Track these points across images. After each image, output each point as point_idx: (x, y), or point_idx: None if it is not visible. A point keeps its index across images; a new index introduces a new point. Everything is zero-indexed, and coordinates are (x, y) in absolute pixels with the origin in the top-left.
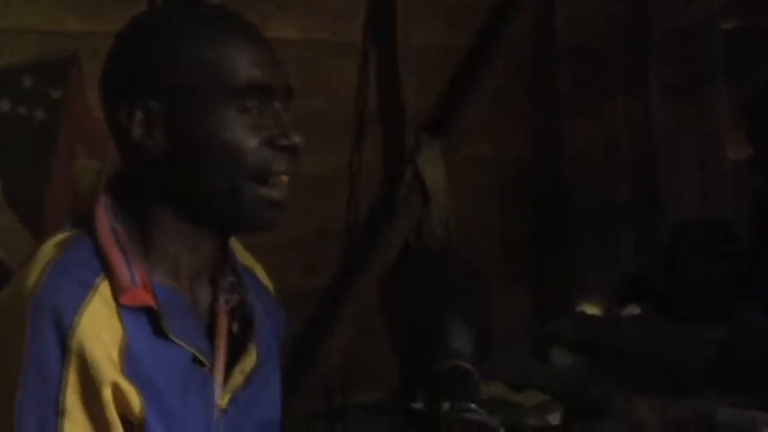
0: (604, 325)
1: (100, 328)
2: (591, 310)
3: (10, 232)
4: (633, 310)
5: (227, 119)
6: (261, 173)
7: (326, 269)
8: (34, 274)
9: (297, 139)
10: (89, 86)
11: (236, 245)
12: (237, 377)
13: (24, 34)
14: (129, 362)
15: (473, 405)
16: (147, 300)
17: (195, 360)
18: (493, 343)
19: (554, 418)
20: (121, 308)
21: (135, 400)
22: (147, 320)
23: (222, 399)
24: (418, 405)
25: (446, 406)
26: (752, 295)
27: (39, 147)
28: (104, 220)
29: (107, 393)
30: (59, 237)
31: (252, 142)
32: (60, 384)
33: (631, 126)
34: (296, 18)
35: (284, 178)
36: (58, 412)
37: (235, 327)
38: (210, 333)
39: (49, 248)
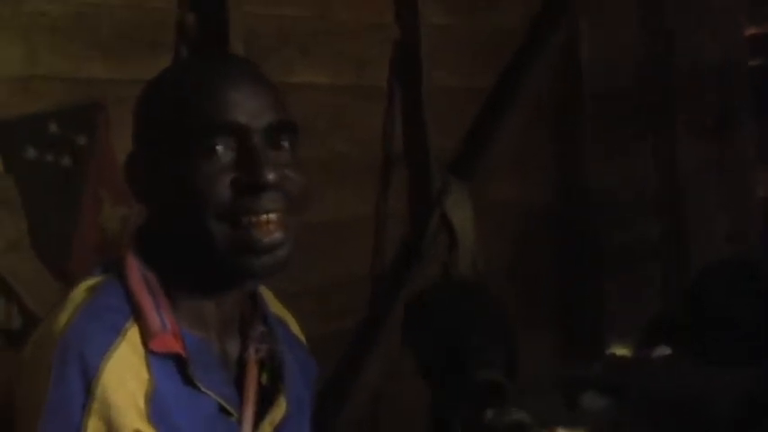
0: (635, 366)
1: (126, 375)
2: (621, 351)
3: (36, 279)
4: (664, 350)
5: (194, 161)
6: (229, 214)
7: (352, 314)
8: (63, 318)
9: (270, 177)
10: (115, 133)
11: (267, 294)
12: (266, 428)
13: (50, 81)
14: (155, 408)
15: (515, 409)
16: (176, 347)
17: (222, 409)
18: (518, 359)
19: None
20: (150, 354)
21: None
22: (175, 368)
23: None
24: None
25: (490, 413)
26: None
27: (65, 193)
28: (135, 266)
29: None
30: (90, 282)
31: (218, 183)
32: (81, 430)
33: (658, 165)
34: (321, 63)
35: (264, 218)
36: None
37: (264, 377)
38: (240, 383)
39: (79, 293)
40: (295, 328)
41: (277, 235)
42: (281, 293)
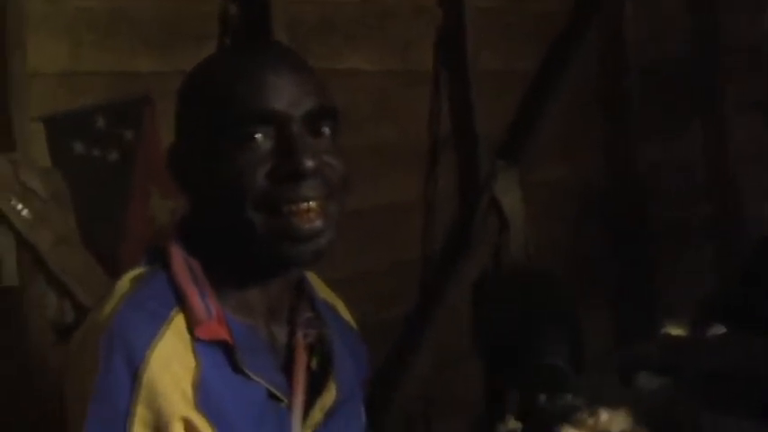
0: (690, 346)
1: (172, 362)
2: (676, 330)
3: (87, 273)
4: (719, 329)
5: (233, 150)
6: (268, 203)
7: (404, 299)
8: (109, 308)
9: (309, 165)
10: (161, 126)
11: (315, 280)
12: (317, 413)
13: (95, 76)
14: (203, 396)
15: (570, 396)
16: (223, 333)
17: (271, 395)
18: (584, 354)
19: None
20: (196, 341)
21: None
22: (222, 354)
23: None
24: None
25: (542, 398)
26: None
27: (113, 188)
28: (179, 254)
29: (177, 428)
30: (134, 272)
31: (257, 172)
32: (128, 418)
33: (707, 143)
34: (366, 48)
35: (305, 206)
36: None
37: (314, 362)
38: (288, 369)
39: (124, 283)
40: (345, 312)
41: (318, 223)
42: (334, 279)
